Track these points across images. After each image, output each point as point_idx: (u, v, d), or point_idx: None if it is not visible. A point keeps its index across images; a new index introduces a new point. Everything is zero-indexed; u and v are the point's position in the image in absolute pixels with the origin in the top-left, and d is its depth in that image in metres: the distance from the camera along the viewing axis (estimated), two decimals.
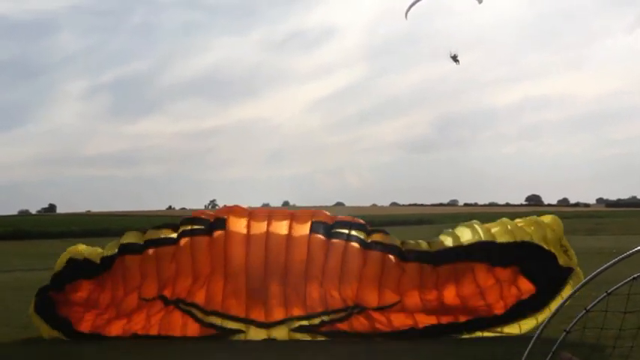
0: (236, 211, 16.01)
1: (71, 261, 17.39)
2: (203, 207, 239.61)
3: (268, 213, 16.00)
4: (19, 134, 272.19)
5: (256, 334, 15.49)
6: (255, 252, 15.62)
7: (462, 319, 16.28)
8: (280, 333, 15.52)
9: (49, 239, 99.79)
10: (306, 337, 15.64)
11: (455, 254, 16.06)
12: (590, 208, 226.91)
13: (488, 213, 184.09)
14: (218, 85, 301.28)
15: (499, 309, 16.45)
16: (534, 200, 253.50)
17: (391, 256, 15.95)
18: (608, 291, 8.61)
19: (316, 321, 15.64)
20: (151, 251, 16.21)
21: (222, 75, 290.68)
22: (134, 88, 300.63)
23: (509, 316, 16.46)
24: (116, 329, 16.38)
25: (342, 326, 15.73)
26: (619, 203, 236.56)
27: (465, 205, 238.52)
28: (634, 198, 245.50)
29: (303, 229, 15.79)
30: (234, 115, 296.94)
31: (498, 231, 16.52)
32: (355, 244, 15.88)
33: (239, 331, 15.50)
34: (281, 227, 15.82)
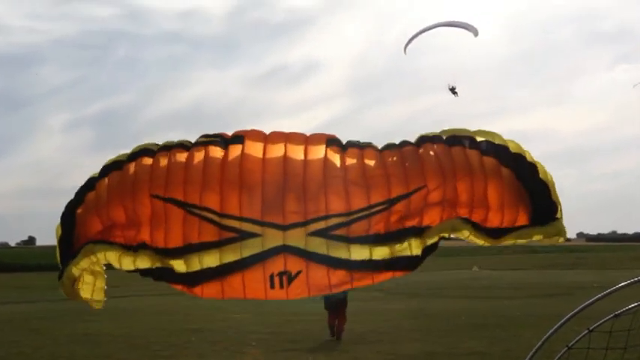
0: (252, 134, 15.91)
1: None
2: None
3: (285, 137, 15.88)
4: (1, 166, 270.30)
5: (273, 237, 15.17)
6: (271, 170, 15.52)
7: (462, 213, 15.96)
8: (295, 237, 15.17)
9: (28, 272, 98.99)
10: (321, 242, 15.29)
11: (465, 139, 15.96)
12: (571, 242, 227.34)
13: (470, 247, 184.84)
14: (201, 119, 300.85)
15: (491, 223, 16.21)
16: None
17: (407, 148, 15.94)
18: (590, 328, 8.59)
19: (332, 222, 15.38)
20: (162, 153, 15.89)
21: (206, 109, 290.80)
22: (117, 121, 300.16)
23: (491, 232, 16.18)
24: (144, 237, 15.87)
25: (358, 229, 15.45)
26: (599, 238, 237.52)
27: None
28: (614, 233, 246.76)
29: (319, 149, 15.81)
30: None
31: (512, 146, 16.42)
32: (370, 149, 15.85)
33: (255, 235, 15.24)
34: (298, 151, 15.80)
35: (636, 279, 8.32)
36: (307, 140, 15.95)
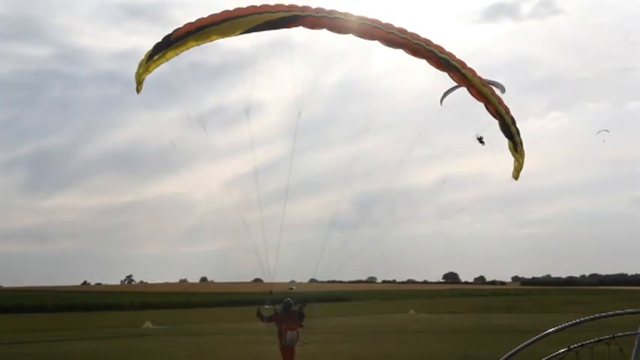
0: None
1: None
2: (119, 283, 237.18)
3: None
4: None
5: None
6: None
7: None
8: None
9: None
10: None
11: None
12: (506, 286, 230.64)
13: (407, 290, 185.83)
14: (135, 161, 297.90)
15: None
16: (451, 278, 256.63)
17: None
18: None
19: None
20: None
21: (140, 150, 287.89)
22: (50, 162, 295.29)
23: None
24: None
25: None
26: (534, 281, 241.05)
27: (384, 282, 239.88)
28: (548, 276, 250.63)
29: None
30: (152, 190, 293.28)
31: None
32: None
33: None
34: None
35: (567, 324, 8.50)
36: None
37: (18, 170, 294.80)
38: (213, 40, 18.80)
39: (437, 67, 19.48)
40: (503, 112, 20.38)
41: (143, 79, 19.60)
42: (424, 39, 19.24)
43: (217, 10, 17.96)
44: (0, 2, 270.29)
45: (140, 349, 40.21)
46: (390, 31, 18.84)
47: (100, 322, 76.53)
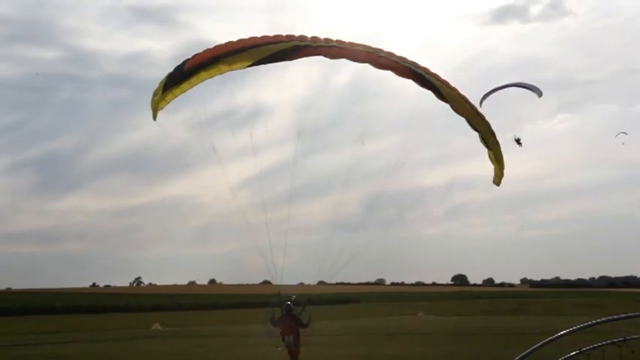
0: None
1: None
2: (128, 284, 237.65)
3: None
4: None
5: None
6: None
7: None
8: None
9: None
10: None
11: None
12: (515, 288, 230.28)
13: (415, 292, 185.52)
14: (144, 163, 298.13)
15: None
16: (460, 280, 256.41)
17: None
18: None
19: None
20: None
21: (149, 153, 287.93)
22: (60, 164, 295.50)
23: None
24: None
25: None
26: (543, 284, 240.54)
27: (392, 284, 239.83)
28: (557, 279, 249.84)
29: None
30: (161, 192, 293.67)
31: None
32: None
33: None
34: None
35: (580, 326, 8.43)
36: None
37: (28, 172, 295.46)
38: (223, 72, 19.36)
39: (423, 86, 20.02)
40: (488, 124, 21.07)
41: (160, 108, 20.02)
42: (411, 61, 19.97)
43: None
44: (9, 4, 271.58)
45: (149, 351, 40.22)
46: (381, 55, 19.56)
47: (109, 324, 76.63)
